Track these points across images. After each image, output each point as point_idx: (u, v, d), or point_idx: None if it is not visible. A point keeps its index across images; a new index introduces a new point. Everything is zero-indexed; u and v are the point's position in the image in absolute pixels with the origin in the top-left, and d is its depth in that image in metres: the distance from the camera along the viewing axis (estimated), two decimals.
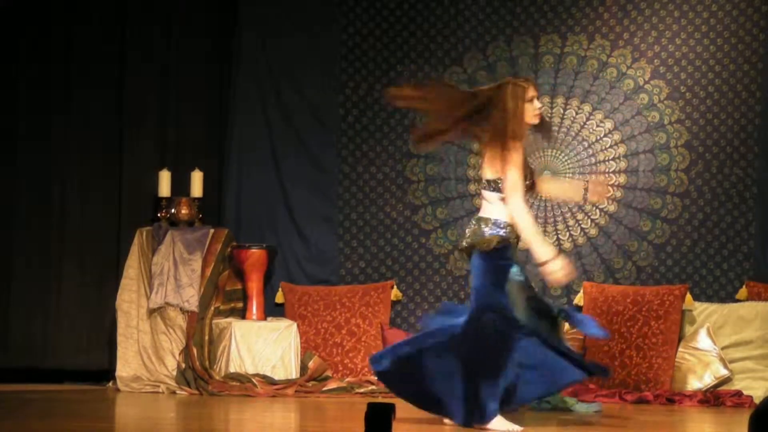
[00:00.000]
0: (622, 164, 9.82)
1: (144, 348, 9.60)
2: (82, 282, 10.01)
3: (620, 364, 9.25)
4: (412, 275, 9.97)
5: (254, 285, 9.71)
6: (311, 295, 9.86)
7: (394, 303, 9.90)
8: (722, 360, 9.10)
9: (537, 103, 6.80)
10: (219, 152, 10.25)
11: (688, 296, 9.40)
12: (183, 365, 9.45)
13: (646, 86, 9.79)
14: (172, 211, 9.92)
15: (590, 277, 9.74)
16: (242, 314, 9.73)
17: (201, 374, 9.35)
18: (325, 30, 10.11)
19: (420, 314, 9.93)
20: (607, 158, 9.84)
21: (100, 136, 10.13)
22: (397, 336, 9.66)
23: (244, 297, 9.78)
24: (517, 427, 6.52)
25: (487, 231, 6.63)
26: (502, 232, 6.59)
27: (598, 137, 9.85)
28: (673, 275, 9.69)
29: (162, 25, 10.21)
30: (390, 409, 5.02)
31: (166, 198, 9.92)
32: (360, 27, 10.11)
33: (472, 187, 9.86)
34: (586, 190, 7.17)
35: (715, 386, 9.03)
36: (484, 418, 6.51)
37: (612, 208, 9.82)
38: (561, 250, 9.81)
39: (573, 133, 9.86)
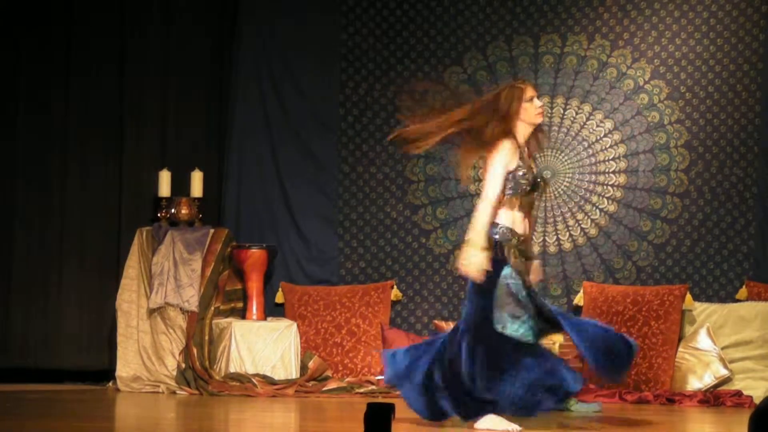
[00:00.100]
0: (622, 164, 9.82)
1: (144, 348, 9.60)
2: (82, 282, 10.01)
3: None
4: (412, 275, 9.97)
5: (254, 285, 9.71)
6: (311, 295, 9.86)
7: (394, 303, 9.90)
8: (722, 360, 9.10)
9: (538, 102, 6.76)
10: (219, 152, 10.25)
11: (688, 296, 9.39)
12: (183, 365, 9.45)
13: (646, 86, 9.79)
14: (172, 211, 9.92)
15: (590, 277, 9.74)
16: (242, 314, 9.73)
17: (201, 374, 9.35)
18: (325, 30, 10.11)
19: (420, 314, 9.93)
20: (607, 158, 9.84)
21: (100, 136, 10.13)
22: (397, 336, 9.67)
23: (244, 297, 9.78)
24: (515, 427, 6.52)
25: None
26: (497, 235, 6.56)
27: (598, 137, 9.85)
28: (673, 275, 9.69)
29: (162, 25, 10.21)
30: (389, 409, 5.02)
31: (166, 198, 9.92)
32: (360, 27, 10.11)
33: (472, 187, 9.86)
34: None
35: (715, 386, 9.03)
36: (479, 413, 6.51)
37: (612, 208, 9.83)
38: (560, 251, 9.83)
39: (573, 133, 9.86)
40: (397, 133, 7.05)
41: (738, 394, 8.87)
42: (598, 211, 9.83)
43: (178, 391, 9.37)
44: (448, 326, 9.64)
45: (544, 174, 9.81)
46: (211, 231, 9.83)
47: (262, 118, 10.14)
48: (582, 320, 6.88)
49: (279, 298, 9.96)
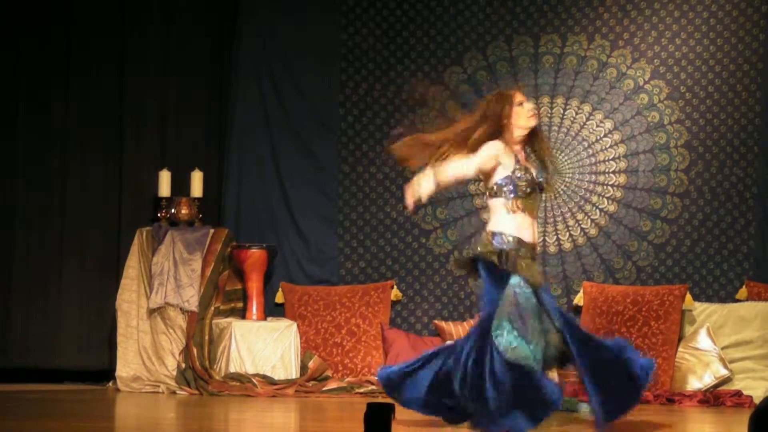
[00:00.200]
0: (622, 164, 9.82)
1: (144, 348, 9.60)
2: (82, 282, 10.01)
3: None
4: (412, 275, 9.97)
5: (254, 285, 9.71)
6: (311, 295, 9.87)
7: (394, 303, 9.90)
8: (722, 360, 9.10)
9: (528, 105, 6.66)
10: (219, 152, 10.25)
11: (688, 296, 9.40)
12: (183, 365, 9.45)
13: (646, 86, 9.79)
14: (172, 211, 9.92)
15: (590, 277, 9.74)
16: (242, 314, 9.73)
17: (201, 374, 9.35)
18: (325, 30, 10.11)
19: (420, 314, 9.93)
20: (607, 158, 9.84)
21: (100, 136, 10.13)
22: (397, 336, 9.67)
23: (244, 297, 9.78)
24: None
25: (493, 242, 6.45)
26: (505, 246, 6.42)
27: (598, 137, 9.85)
28: (673, 275, 9.69)
29: (162, 25, 10.21)
30: (389, 409, 5.02)
31: (166, 198, 9.92)
32: (360, 27, 10.12)
33: (472, 187, 9.86)
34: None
35: (715, 386, 9.03)
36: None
37: (612, 208, 9.83)
38: (560, 251, 9.83)
39: (573, 133, 9.86)
40: (392, 147, 6.96)
41: (738, 394, 8.87)
42: (598, 211, 9.83)
43: (178, 391, 9.37)
44: (448, 326, 9.65)
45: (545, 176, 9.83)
46: (211, 231, 9.83)
47: (262, 118, 10.14)
48: (596, 348, 6.47)
49: (279, 298, 9.96)
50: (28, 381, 9.71)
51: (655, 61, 9.78)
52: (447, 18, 10.04)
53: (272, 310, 9.90)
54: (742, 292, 9.54)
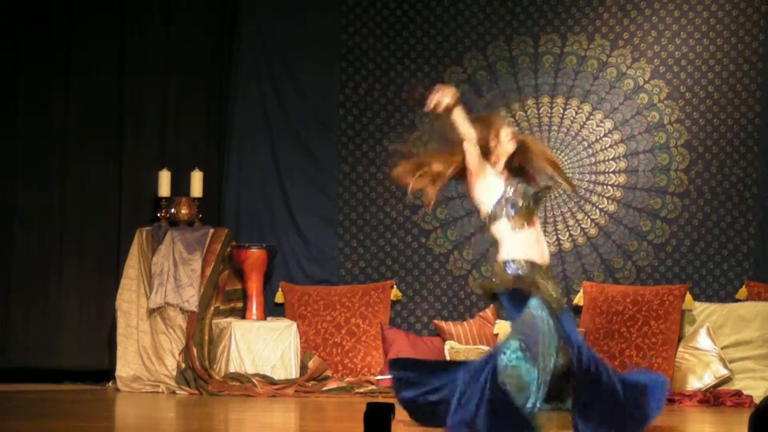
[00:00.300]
0: (622, 164, 9.82)
1: (144, 348, 9.60)
2: (82, 282, 10.01)
3: (620, 364, 9.24)
4: (412, 275, 9.97)
5: (254, 285, 9.71)
6: (311, 295, 9.86)
7: (394, 303, 9.90)
8: (722, 360, 9.10)
9: (506, 130, 6.51)
10: (219, 152, 10.25)
11: (688, 296, 9.40)
12: (183, 365, 9.45)
13: (646, 86, 9.79)
14: (172, 210, 9.92)
15: (590, 277, 9.74)
16: (242, 314, 9.73)
17: (201, 374, 9.35)
18: (325, 30, 10.11)
19: (420, 314, 9.93)
20: (607, 158, 9.84)
21: (100, 136, 10.13)
22: (396, 336, 9.66)
23: (244, 297, 9.78)
24: None
25: (505, 274, 6.32)
26: (520, 271, 6.21)
27: (598, 137, 9.85)
28: (673, 275, 9.69)
29: (162, 25, 10.21)
30: (389, 409, 5.02)
31: (166, 198, 9.92)
32: (360, 27, 10.11)
33: None
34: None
35: (715, 386, 9.03)
36: None
37: (612, 207, 9.83)
38: (560, 251, 9.83)
39: (573, 133, 9.86)
40: (394, 174, 6.82)
41: (738, 393, 8.87)
42: (598, 211, 9.83)
43: (177, 391, 9.37)
44: (448, 326, 9.65)
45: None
46: (211, 231, 9.83)
47: (262, 118, 10.13)
48: (601, 389, 6.23)
49: (279, 297, 9.96)
50: (28, 381, 9.71)
51: (655, 60, 9.78)
52: (447, 18, 10.04)
53: (272, 310, 9.89)
54: (742, 292, 9.54)
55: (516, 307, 6.20)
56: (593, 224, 9.83)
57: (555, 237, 9.82)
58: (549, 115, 9.86)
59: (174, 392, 9.37)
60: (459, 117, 6.37)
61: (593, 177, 9.84)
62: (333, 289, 9.92)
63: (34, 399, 8.78)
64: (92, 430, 7.03)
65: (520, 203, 6.28)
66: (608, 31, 9.85)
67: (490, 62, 9.95)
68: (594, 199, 9.83)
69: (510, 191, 6.30)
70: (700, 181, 9.74)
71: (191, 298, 9.59)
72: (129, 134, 10.14)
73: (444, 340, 9.55)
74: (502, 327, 9.48)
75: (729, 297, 9.59)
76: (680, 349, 9.26)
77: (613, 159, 9.83)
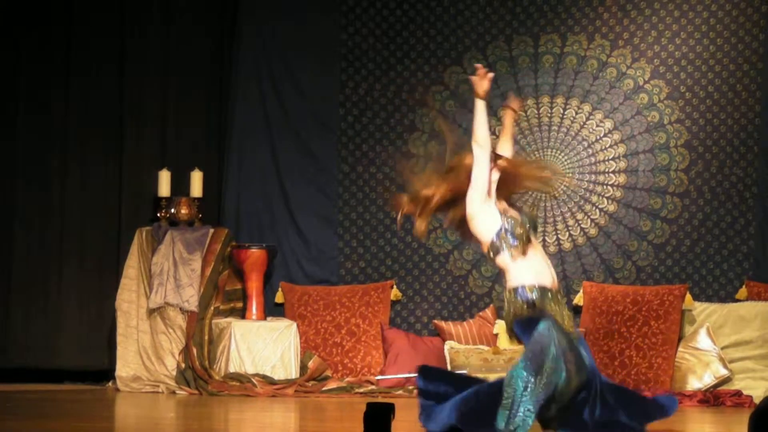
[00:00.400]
0: (622, 164, 9.82)
1: (144, 348, 9.60)
2: (82, 282, 10.01)
3: (620, 364, 9.25)
4: (412, 275, 9.97)
5: (254, 285, 9.71)
6: (311, 295, 9.86)
7: (394, 303, 9.90)
8: (722, 360, 9.10)
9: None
10: (219, 152, 10.25)
11: (688, 296, 9.40)
12: (183, 365, 9.45)
13: (646, 86, 9.79)
14: (172, 210, 9.92)
15: (590, 277, 9.74)
16: (242, 314, 9.73)
17: (201, 374, 9.35)
18: (325, 30, 10.11)
19: (420, 314, 9.93)
20: (606, 158, 9.84)
21: (100, 136, 10.13)
22: (397, 336, 9.66)
23: (244, 297, 9.78)
24: None
25: (517, 302, 6.26)
26: (532, 296, 6.15)
27: (598, 137, 9.85)
28: (673, 275, 9.69)
29: (162, 25, 10.21)
30: (389, 409, 5.02)
31: (166, 198, 9.92)
32: (360, 27, 10.11)
33: None
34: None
35: (715, 386, 9.03)
36: None
37: (612, 207, 9.83)
38: (560, 251, 9.83)
39: (573, 133, 9.86)
40: (395, 204, 6.75)
41: (738, 394, 8.87)
42: (597, 211, 9.83)
43: (177, 391, 9.37)
44: (448, 326, 9.65)
45: (544, 174, 9.83)
46: (211, 231, 9.83)
47: (262, 118, 10.13)
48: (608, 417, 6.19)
49: (279, 297, 9.96)
50: (28, 381, 9.71)
51: (655, 60, 9.78)
52: (447, 18, 10.04)
53: (272, 310, 9.89)
54: (742, 292, 9.54)
55: (527, 332, 6.15)
56: (593, 224, 9.83)
57: (555, 237, 9.82)
58: (549, 115, 9.86)
59: (174, 392, 9.37)
60: (482, 111, 6.20)
61: (593, 177, 9.84)
62: (333, 289, 9.92)
63: (34, 399, 8.78)
64: (92, 430, 7.03)
65: (520, 232, 6.22)
66: (608, 31, 9.85)
67: (490, 62, 9.94)
68: (594, 199, 9.83)
69: (508, 223, 6.22)
70: (700, 181, 9.74)
71: (191, 298, 9.59)
72: (129, 134, 10.14)
73: (444, 340, 9.55)
74: (502, 327, 9.48)
75: (729, 297, 9.59)
76: (680, 349, 9.26)
77: (613, 159, 9.83)
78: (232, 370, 9.35)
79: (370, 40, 10.11)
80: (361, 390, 9.23)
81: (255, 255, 9.70)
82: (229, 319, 9.61)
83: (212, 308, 9.66)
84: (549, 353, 6.02)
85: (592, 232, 9.83)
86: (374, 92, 10.08)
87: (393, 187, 9.99)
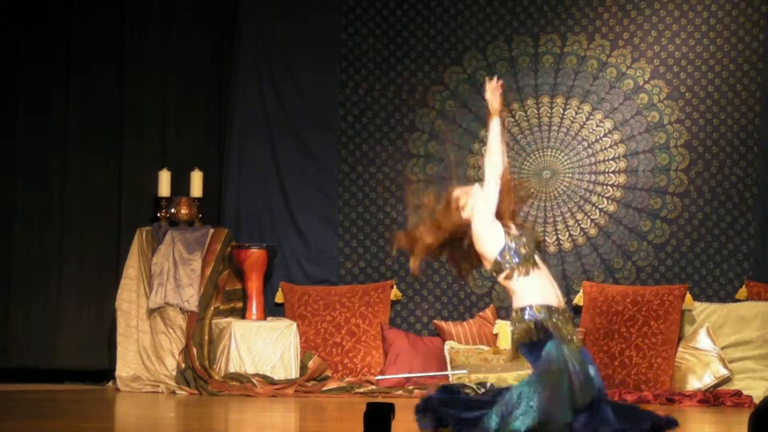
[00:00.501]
0: (622, 164, 9.82)
1: (144, 348, 9.60)
2: (82, 282, 10.01)
3: (620, 364, 9.25)
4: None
5: (254, 285, 9.71)
6: (311, 295, 9.86)
7: (394, 303, 9.90)
8: (722, 360, 9.10)
9: (462, 203, 6.44)
10: (219, 152, 10.25)
11: (688, 296, 9.40)
12: (183, 365, 9.45)
13: (646, 86, 9.79)
14: (172, 210, 9.92)
15: (590, 277, 9.74)
16: (242, 314, 9.73)
17: (201, 374, 9.35)
18: (325, 30, 10.11)
19: (419, 314, 9.92)
20: (606, 158, 9.84)
21: (100, 136, 10.13)
22: (397, 336, 9.66)
23: (244, 297, 9.78)
24: None
25: (524, 322, 6.23)
26: (539, 316, 6.03)
27: (598, 137, 9.85)
28: (673, 275, 9.69)
29: (162, 25, 10.21)
30: (389, 409, 5.02)
31: (166, 198, 9.92)
32: (360, 27, 10.11)
33: None
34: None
35: (715, 386, 9.03)
36: None
37: (612, 207, 9.82)
38: (560, 251, 9.83)
39: (573, 133, 9.86)
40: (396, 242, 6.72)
41: (738, 393, 8.87)
42: (597, 211, 9.83)
43: (177, 391, 9.37)
44: (448, 326, 9.65)
45: (544, 174, 9.84)
46: (211, 231, 9.83)
47: (262, 118, 10.13)
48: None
49: (279, 297, 9.96)
50: (28, 381, 9.71)
51: (655, 61, 9.77)
52: (447, 18, 10.04)
53: (272, 310, 9.89)
54: (742, 292, 9.54)
55: (534, 353, 6.13)
56: (593, 224, 9.83)
57: (555, 237, 9.82)
58: (549, 115, 9.86)
59: (174, 392, 9.37)
60: (497, 131, 6.18)
61: (593, 177, 9.84)
62: (333, 289, 9.92)
63: (34, 399, 8.78)
64: (92, 430, 7.03)
65: (524, 251, 6.19)
66: (608, 31, 9.85)
67: (490, 62, 9.94)
68: (594, 199, 9.83)
69: (512, 242, 6.19)
70: (700, 181, 9.73)
71: (191, 298, 9.59)
72: (129, 134, 10.15)
73: (444, 340, 9.55)
74: (502, 327, 9.49)
75: (729, 297, 9.58)
76: (680, 349, 9.26)
77: (613, 159, 9.83)
78: (232, 370, 9.35)
79: (370, 40, 10.11)
80: (361, 390, 9.23)
81: (255, 255, 9.70)
82: (229, 319, 9.61)
83: (212, 308, 9.66)
84: (558, 372, 6.01)
85: (592, 232, 9.82)
86: (374, 92, 10.08)
87: (393, 187, 10.00)
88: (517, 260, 6.13)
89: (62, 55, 10.13)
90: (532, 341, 6.05)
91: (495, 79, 6.17)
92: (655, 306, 9.35)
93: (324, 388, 9.26)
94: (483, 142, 9.90)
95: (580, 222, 9.84)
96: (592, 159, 9.85)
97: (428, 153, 10.00)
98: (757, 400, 8.58)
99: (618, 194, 9.82)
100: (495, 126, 6.16)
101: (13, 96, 10.09)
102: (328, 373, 9.53)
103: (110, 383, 9.65)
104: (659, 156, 9.79)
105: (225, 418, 8.05)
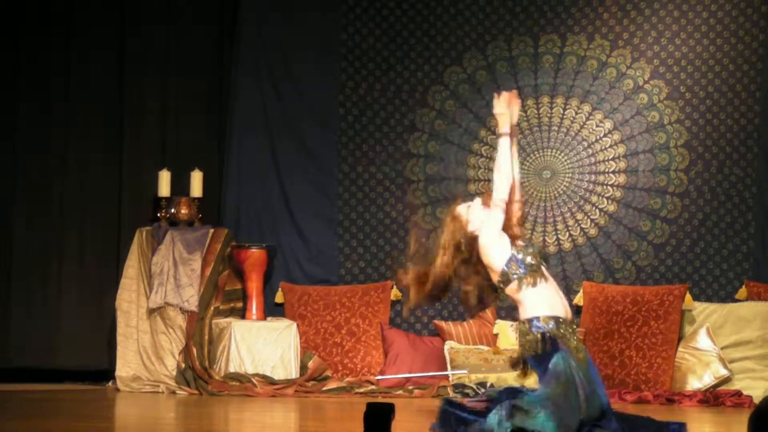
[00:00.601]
0: (622, 164, 9.82)
1: (144, 348, 9.60)
2: (82, 282, 10.01)
3: (620, 364, 9.25)
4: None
5: (254, 285, 9.71)
6: (311, 295, 9.87)
7: (394, 303, 9.90)
8: (722, 360, 9.10)
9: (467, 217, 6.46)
10: (219, 152, 10.26)
11: (688, 296, 9.40)
12: (183, 365, 9.45)
13: (646, 86, 9.79)
14: (172, 210, 9.93)
15: (590, 277, 9.74)
16: (242, 314, 9.73)
17: (201, 374, 9.35)
18: (325, 30, 10.11)
19: (420, 314, 9.92)
20: (606, 158, 9.84)
21: (100, 137, 10.13)
22: (397, 336, 9.66)
23: (244, 297, 9.78)
24: None
25: (531, 333, 6.22)
26: (548, 327, 6.01)
27: (598, 137, 9.85)
28: (673, 275, 9.69)
29: (162, 25, 10.21)
30: (389, 409, 5.02)
31: (166, 198, 9.92)
32: (360, 27, 10.12)
33: (472, 187, 9.87)
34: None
35: (715, 386, 9.03)
36: None
37: (612, 207, 9.83)
38: (560, 251, 9.83)
39: (573, 133, 9.86)
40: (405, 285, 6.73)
41: (738, 394, 8.87)
42: (597, 211, 9.84)
43: (177, 391, 9.37)
44: (448, 326, 9.65)
45: (543, 174, 9.84)
46: (211, 231, 9.83)
47: (262, 118, 10.14)
48: None
49: (279, 298, 9.96)
50: (28, 381, 9.71)
51: (655, 61, 9.78)
52: (447, 18, 10.04)
53: (272, 310, 9.90)
54: (742, 292, 9.54)
55: (542, 365, 6.12)
56: (593, 224, 9.83)
57: (555, 237, 9.82)
58: (549, 115, 9.86)
59: (174, 392, 9.37)
60: (508, 149, 6.18)
61: (593, 177, 9.84)
62: (333, 289, 9.92)
63: (34, 399, 8.78)
64: (92, 430, 7.03)
65: (531, 262, 6.17)
66: (608, 31, 9.85)
67: (490, 62, 9.95)
68: (594, 199, 9.84)
69: (519, 253, 6.18)
70: (700, 181, 9.74)
71: (191, 298, 9.59)
72: (129, 134, 10.15)
73: (444, 340, 9.55)
74: (502, 327, 9.49)
75: (729, 297, 9.59)
76: (680, 349, 9.26)
77: (613, 159, 9.83)
78: (232, 370, 9.36)
79: (370, 40, 10.11)
80: (361, 390, 9.23)
81: (255, 255, 9.71)
82: (229, 319, 9.62)
83: (212, 308, 9.66)
84: (566, 384, 6.00)
85: (592, 232, 9.83)
86: (374, 92, 10.08)
87: (393, 187, 10.00)
88: (524, 270, 6.12)
89: (62, 55, 10.14)
90: (540, 353, 6.08)
91: (509, 92, 6.18)
92: (655, 306, 9.35)
93: (324, 388, 9.26)
94: (483, 141, 9.93)
95: (580, 222, 9.84)
96: (592, 159, 9.86)
97: (428, 153, 10.00)
98: (757, 400, 8.58)
99: (618, 194, 9.82)
100: (506, 141, 6.19)
101: (13, 96, 10.09)
102: (328, 373, 9.54)
103: (110, 383, 9.65)
104: (659, 156, 9.79)
105: (225, 418, 8.05)
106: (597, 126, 9.85)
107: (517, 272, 6.13)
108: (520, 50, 9.95)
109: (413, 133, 10.05)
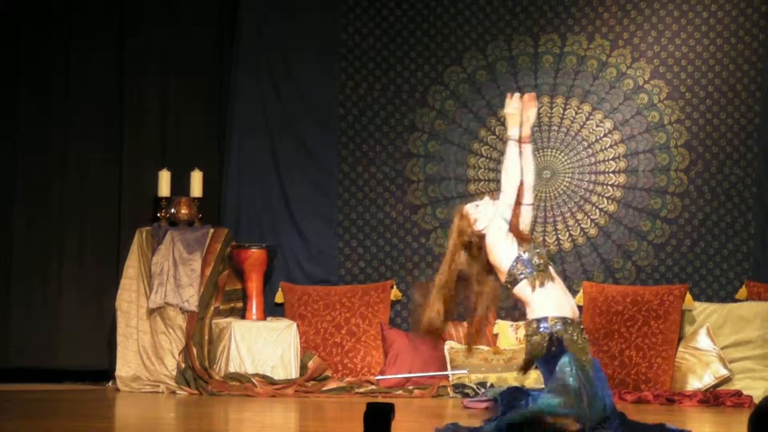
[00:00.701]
0: (622, 164, 9.82)
1: (144, 348, 9.60)
2: (82, 282, 10.01)
3: (620, 364, 9.25)
4: (412, 275, 9.97)
5: (254, 285, 9.71)
6: (311, 295, 9.87)
7: (394, 303, 9.90)
8: (722, 360, 9.10)
9: (474, 217, 6.39)
10: (219, 152, 10.26)
11: (688, 296, 9.40)
12: (183, 365, 9.45)
13: (646, 86, 9.79)
14: (172, 210, 9.93)
15: (590, 277, 9.74)
16: (242, 314, 9.74)
17: (201, 374, 9.35)
18: (325, 30, 10.11)
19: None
20: (606, 158, 9.84)
21: (100, 137, 10.13)
22: (397, 336, 9.66)
23: (244, 297, 9.78)
24: None
25: (538, 334, 6.11)
26: (555, 328, 6.07)
27: (598, 137, 9.85)
28: (673, 275, 9.69)
29: (162, 25, 10.21)
30: (389, 409, 5.03)
31: (165, 198, 9.92)
32: (360, 27, 10.12)
33: (471, 187, 9.87)
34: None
35: (715, 386, 9.03)
36: None
37: (612, 207, 9.83)
38: (560, 251, 9.83)
39: (573, 133, 9.86)
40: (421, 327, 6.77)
41: (738, 394, 8.87)
42: (597, 211, 9.84)
43: (177, 391, 9.37)
44: (448, 326, 9.64)
45: (543, 174, 9.84)
46: (211, 231, 9.83)
47: (262, 118, 10.14)
48: None
49: (279, 297, 9.96)
50: (28, 381, 9.71)
51: (655, 61, 9.78)
52: (447, 18, 10.04)
53: (272, 310, 9.90)
54: (742, 292, 9.54)
55: (549, 366, 6.11)
56: (593, 224, 9.83)
57: (555, 237, 9.82)
58: (549, 115, 9.86)
59: (174, 392, 9.37)
60: (515, 153, 6.19)
61: (593, 177, 9.84)
62: (333, 289, 9.92)
63: (34, 399, 8.78)
64: (92, 429, 7.03)
65: (538, 262, 6.17)
66: (608, 31, 9.85)
67: (490, 62, 9.95)
68: (594, 199, 9.84)
69: (525, 253, 6.18)
70: (700, 181, 9.74)
71: (191, 298, 9.59)
72: (129, 134, 10.15)
73: (444, 340, 9.55)
74: (502, 327, 9.49)
75: (729, 297, 9.59)
76: (680, 349, 9.26)
77: (613, 159, 9.83)
78: (232, 370, 9.36)
79: (370, 40, 10.11)
80: (361, 390, 9.23)
81: (255, 255, 9.71)
82: (229, 319, 9.62)
83: (212, 308, 9.67)
84: (570, 388, 6.00)
85: (592, 232, 9.83)
86: (374, 92, 10.09)
87: (393, 187, 10.00)
88: (531, 270, 6.12)
89: (62, 55, 10.14)
90: (547, 354, 6.07)
91: (528, 94, 6.20)
92: (655, 306, 9.35)
93: (324, 388, 9.26)
94: (483, 141, 9.93)
95: (580, 222, 9.84)
96: (592, 159, 9.86)
97: (428, 153, 10.00)
98: (757, 400, 8.57)
99: (618, 194, 9.82)
100: (513, 144, 6.20)
101: (13, 96, 10.09)
102: (328, 373, 9.54)
103: (110, 383, 9.65)
104: (659, 156, 9.79)
105: (225, 418, 8.05)
106: (597, 126, 9.85)
107: (524, 272, 6.14)
108: (520, 50, 9.95)
109: (413, 133, 10.05)
